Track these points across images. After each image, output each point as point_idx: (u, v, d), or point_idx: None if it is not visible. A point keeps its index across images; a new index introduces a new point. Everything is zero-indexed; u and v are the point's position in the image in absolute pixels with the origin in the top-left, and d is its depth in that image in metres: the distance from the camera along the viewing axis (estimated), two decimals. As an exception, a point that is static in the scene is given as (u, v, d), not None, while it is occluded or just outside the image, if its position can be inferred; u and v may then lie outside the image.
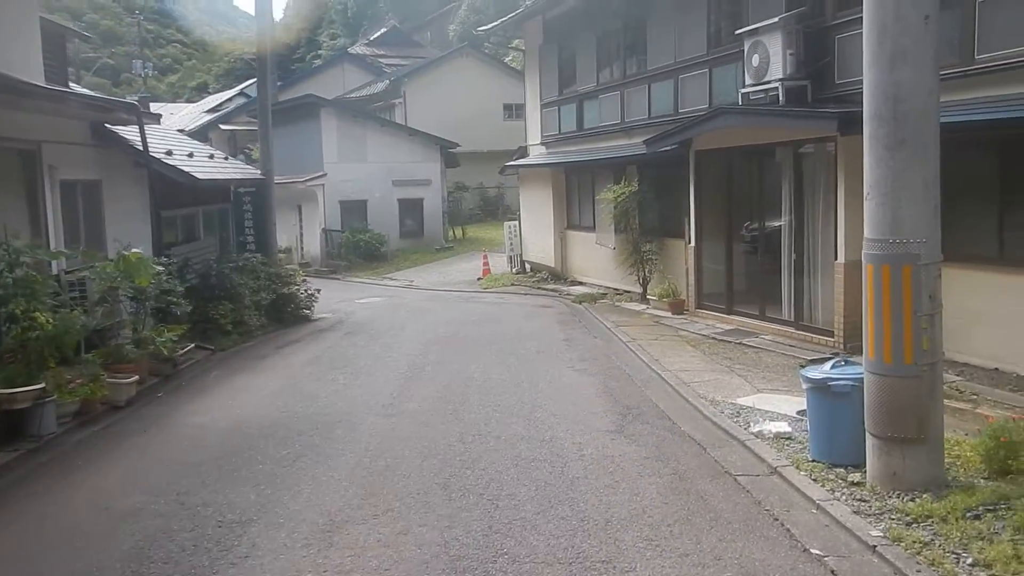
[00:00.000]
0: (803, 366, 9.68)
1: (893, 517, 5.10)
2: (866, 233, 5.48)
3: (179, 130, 28.80)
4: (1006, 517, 4.85)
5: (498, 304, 17.48)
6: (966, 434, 6.66)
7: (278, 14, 74.21)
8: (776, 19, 11.01)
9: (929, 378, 5.37)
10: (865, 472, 5.76)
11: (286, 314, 15.50)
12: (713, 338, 11.83)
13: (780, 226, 11.68)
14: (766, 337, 11.50)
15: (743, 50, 11.75)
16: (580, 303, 16.03)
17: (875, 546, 4.74)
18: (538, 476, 6.36)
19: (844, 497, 5.53)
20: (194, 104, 48.56)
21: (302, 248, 29.01)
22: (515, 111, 31.88)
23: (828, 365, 6.28)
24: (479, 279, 21.60)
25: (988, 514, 4.93)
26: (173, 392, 9.98)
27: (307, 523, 5.54)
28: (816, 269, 11.03)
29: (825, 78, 10.90)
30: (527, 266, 21.57)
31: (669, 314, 13.82)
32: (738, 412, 7.91)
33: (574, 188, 19.07)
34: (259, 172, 16.99)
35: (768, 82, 11.22)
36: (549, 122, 19.72)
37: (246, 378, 10.77)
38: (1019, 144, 8.66)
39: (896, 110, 5.17)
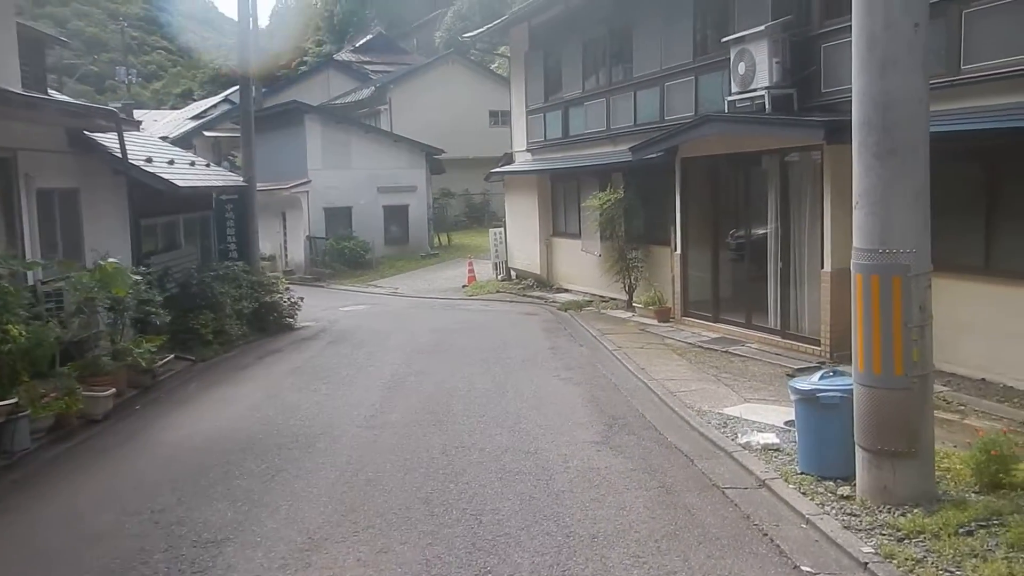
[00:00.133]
0: (790, 375, 9.75)
1: (884, 533, 5.00)
2: (855, 242, 5.40)
3: (162, 137, 28.61)
4: (999, 534, 4.77)
5: (483, 312, 17.35)
6: (955, 446, 6.59)
7: (264, 21, 73.89)
8: (762, 27, 10.97)
9: (920, 390, 5.29)
10: (855, 485, 5.67)
11: (269, 323, 15.30)
12: (699, 346, 11.75)
13: (766, 234, 11.62)
14: (752, 345, 11.44)
15: (729, 58, 11.72)
16: (566, 311, 15.93)
17: (867, 563, 4.65)
18: (523, 489, 6.24)
19: (834, 511, 5.43)
20: (178, 111, 48.21)
21: (286, 255, 28.78)
22: (501, 118, 31.78)
23: (817, 376, 6.19)
24: (464, 286, 21.48)
25: (981, 530, 4.84)
26: (151, 405, 9.78)
27: (284, 542, 5.39)
28: (802, 278, 10.98)
29: (811, 87, 10.87)
30: (513, 273, 21.47)
31: (655, 322, 13.74)
32: (725, 422, 7.82)
33: (560, 195, 18.99)
34: (242, 179, 16.78)
35: (754, 90, 11.18)
36: (535, 129, 19.65)
37: (226, 389, 10.58)
38: (1005, 154, 8.65)
39: (886, 118, 5.09)
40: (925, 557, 4.66)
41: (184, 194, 12.92)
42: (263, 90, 37.11)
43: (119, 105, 30.74)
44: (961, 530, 4.86)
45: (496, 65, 37.47)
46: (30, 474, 7.20)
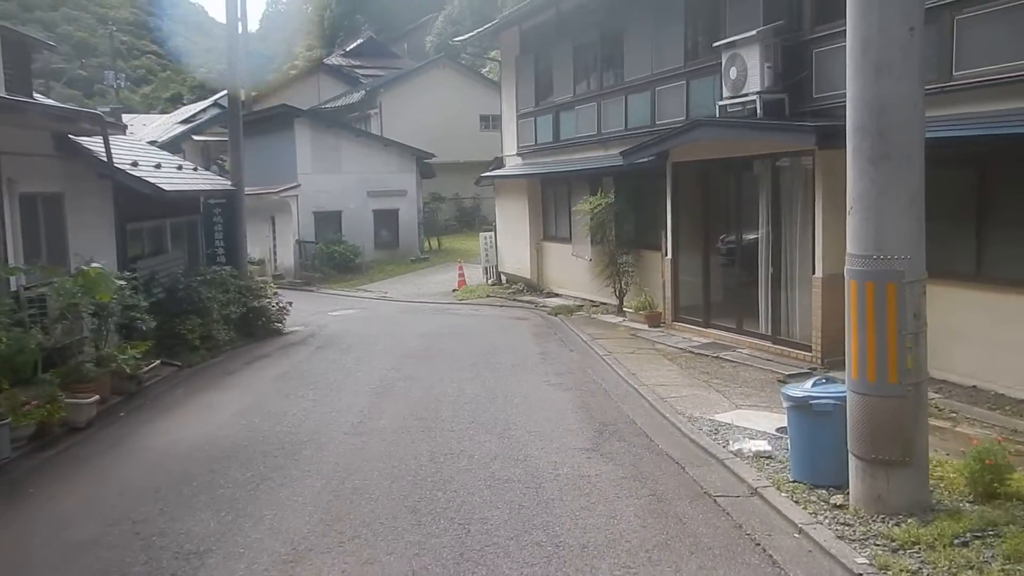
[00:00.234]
0: (781, 381, 9.71)
1: (878, 543, 4.93)
2: (849, 248, 5.34)
3: (151, 141, 28.33)
4: (995, 545, 4.70)
5: (473, 316, 17.26)
6: (947, 454, 6.54)
7: (254, 25, 73.74)
8: (754, 32, 10.93)
9: (914, 398, 5.22)
10: (848, 494, 5.60)
11: (257, 328, 15.16)
12: (690, 352, 11.69)
13: (757, 239, 11.58)
14: (743, 351, 11.38)
15: (721, 63, 11.67)
16: (556, 315, 15.85)
17: (861, 574, 4.57)
18: (512, 498, 6.14)
19: (827, 521, 5.36)
20: (167, 115, 47.93)
21: (275, 260, 28.60)
22: (491, 122, 31.73)
23: (809, 383, 6.13)
24: (454, 291, 21.37)
25: (976, 541, 4.77)
26: (136, 411, 9.63)
27: (268, 553, 5.27)
28: (793, 283, 10.94)
29: (803, 92, 10.83)
30: (503, 277, 21.38)
31: (646, 327, 13.68)
32: (716, 429, 7.75)
33: (550, 199, 18.93)
34: (230, 183, 16.65)
35: (746, 95, 11.13)
36: (525, 133, 19.58)
37: (212, 395, 10.45)
38: (997, 161, 8.63)
39: (880, 122, 5.03)
40: (920, 569, 4.58)
41: (171, 198, 12.78)
42: (253, 94, 36.94)
43: (107, 109, 30.53)
44: (956, 541, 4.79)
45: (487, 69, 37.43)
46: (10, 483, 7.06)
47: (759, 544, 5.19)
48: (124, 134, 13.23)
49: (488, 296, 19.82)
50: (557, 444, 7.53)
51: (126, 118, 34.35)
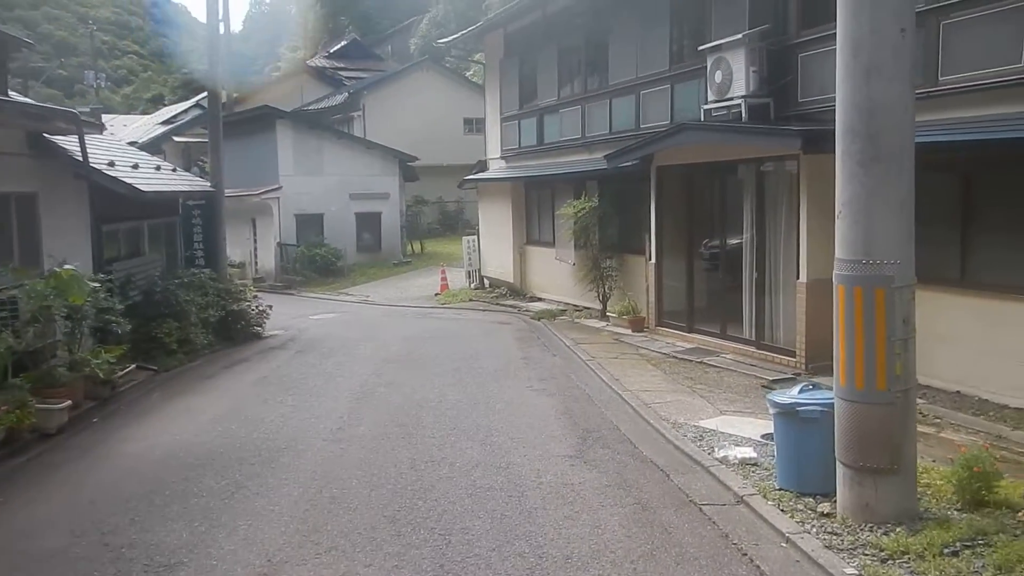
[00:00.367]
0: (765, 387, 9.64)
1: (867, 553, 4.85)
2: (838, 253, 5.26)
3: (132, 142, 27.99)
4: (985, 554, 4.62)
5: (456, 320, 17.11)
6: (933, 460, 6.48)
7: (237, 26, 73.25)
8: (740, 35, 10.89)
9: (902, 405, 5.14)
10: (835, 502, 5.51)
11: (236, 331, 14.93)
12: (674, 357, 11.61)
13: (741, 244, 11.52)
14: (727, 356, 11.32)
15: (706, 66, 11.62)
16: (539, 320, 15.73)
17: (850, 585, 4.48)
18: (494, 507, 6.01)
19: (815, 530, 5.27)
20: (148, 116, 47.46)
21: (256, 263, 28.30)
22: (475, 125, 31.61)
23: (796, 389, 6.04)
24: (437, 295, 21.21)
25: (966, 550, 4.69)
26: (109, 417, 9.40)
27: (242, 565, 5.11)
28: (778, 288, 10.88)
29: (788, 96, 10.80)
30: (486, 282, 21.25)
31: (629, 331, 13.59)
32: (701, 435, 7.65)
33: (534, 203, 18.82)
34: (210, 184, 16.41)
35: (731, 99, 11.09)
36: (509, 136, 19.48)
37: (189, 400, 10.23)
38: (982, 167, 8.62)
39: (870, 125, 4.96)
40: (910, 579, 4.50)
41: (148, 199, 12.54)
42: (234, 95, 36.62)
43: (87, 109, 30.10)
44: (946, 550, 4.71)
45: (471, 73, 37.34)
46: (-24, 491, 6.84)
47: (746, 554, 5.09)
48: (100, 133, 12.99)
49: (471, 300, 19.68)
50: (540, 451, 7.40)
51: (106, 118, 34.00)
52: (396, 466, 7.06)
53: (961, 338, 8.47)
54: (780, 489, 5.98)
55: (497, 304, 18.59)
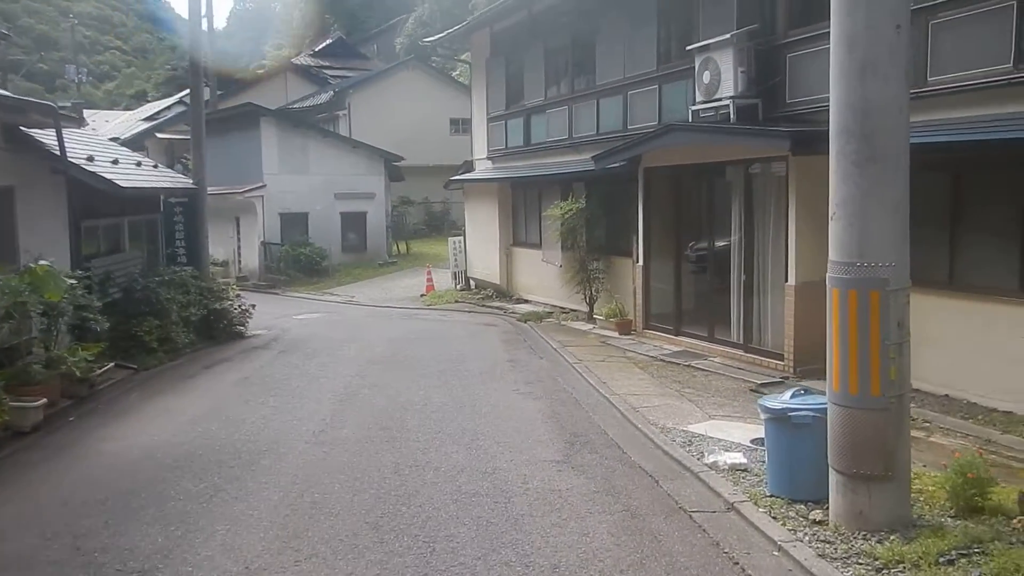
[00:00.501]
0: (754, 390, 9.56)
1: (861, 562, 4.74)
2: (831, 255, 5.16)
3: (113, 138, 27.63)
4: (981, 563, 4.54)
5: (441, 322, 16.95)
6: (924, 465, 6.41)
7: (221, 22, 72.66)
8: (728, 35, 10.83)
9: (897, 411, 5.05)
10: (827, 509, 5.41)
11: (218, 330, 14.70)
12: (661, 360, 11.51)
13: (729, 246, 11.45)
14: (715, 359, 11.24)
15: (694, 67, 11.56)
16: (526, 322, 15.61)
17: (844, 595, 4.38)
18: (479, 513, 5.87)
19: (807, 538, 5.16)
20: (131, 112, 46.98)
21: (240, 261, 28.01)
22: (462, 126, 31.45)
23: (788, 394, 5.94)
24: (423, 295, 21.05)
25: (962, 559, 4.60)
26: (86, 416, 9.18)
27: (219, 572, 4.94)
28: (766, 291, 10.81)
29: (776, 97, 10.75)
30: (472, 283, 21.10)
31: (616, 334, 13.50)
32: (690, 440, 7.55)
33: (520, 204, 18.70)
34: (192, 181, 16.17)
35: (719, 99, 11.02)
36: (496, 136, 19.35)
37: (168, 400, 10.02)
38: (970, 168, 8.59)
39: (865, 125, 4.86)
40: (905, 589, 4.41)
41: (128, 195, 12.31)
42: (219, 92, 36.27)
43: (68, 104, 29.68)
44: (942, 559, 4.61)
45: (457, 72, 37.16)
46: (-56, 494, 6.63)
47: (737, 563, 4.98)
48: (79, 127, 12.77)
49: (457, 301, 19.54)
50: (527, 456, 7.27)
51: (88, 114, 33.56)
52: (379, 470, 6.91)
53: (949, 340, 8.43)
54: (771, 496, 5.88)
55: (483, 305, 18.45)
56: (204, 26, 16.98)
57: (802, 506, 5.65)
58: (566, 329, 14.55)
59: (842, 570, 4.66)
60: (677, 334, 12.49)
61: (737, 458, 6.82)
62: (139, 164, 15.15)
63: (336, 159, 28.66)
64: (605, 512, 5.88)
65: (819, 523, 5.36)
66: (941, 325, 8.47)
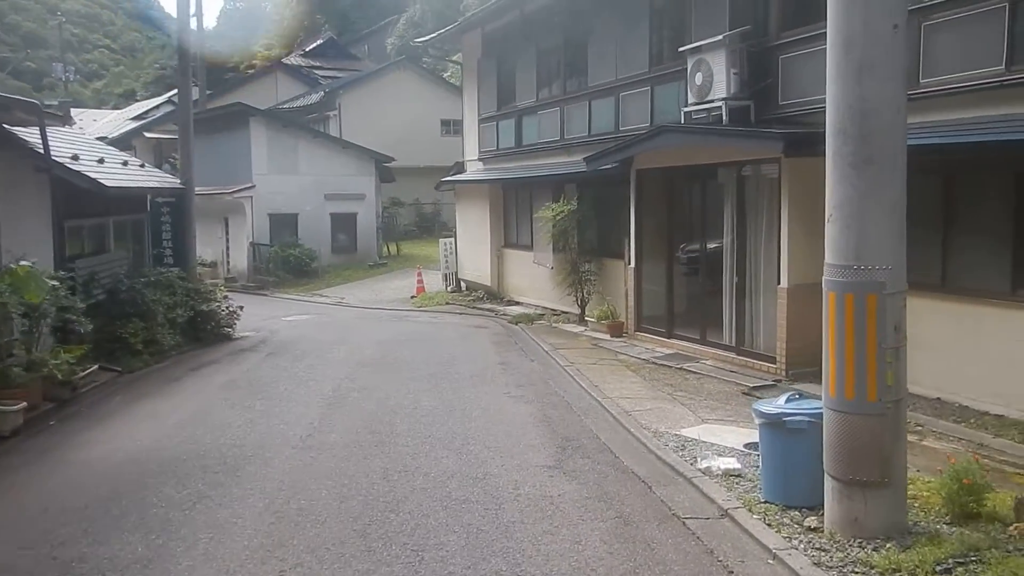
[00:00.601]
0: (746, 393, 9.48)
1: (857, 571, 4.66)
2: (828, 258, 5.07)
3: (101, 137, 27.41)
4: (978, 572, 4.46)
5: (432, 324, 16.83)
6: (917, 470, 6.33)
7: (211, 22, 72.23)
8: (720, 37, 10.75)
9: (893, 416, 4.97)
10: (822, 516, 5.33)
11: (205, 332, 14.54)
12: (653, 362, 11.43)
13: (721, 248, 11.38)
14: (707, 362, 11.15)
15: (686, 68, 11.48)
16: (517, 324, 15.51)
17: (841, 605, 4.29)
18: (469, 520, 5.75)
19: (802, 545, 5.07)
20: (119, 111, 46.64)
21: (228, 262, 27.79)
22: (453, 127, 31.33)
23: (783, 399, 5.86)
24: (413, 297, 20.93)
25: (959, 568, 4.52)
26: (68, 420, 9.02)
27: (201, 582, 4.82)
28: (758, 293, 10.74)
29: (768, 99, 10.68)
30: (463, 284, 20.99)
31: (608, 336, 13.41)
32: (683, 445, 7.45)
33: (512, 205, 18.60)
34: (179, 181, 15.99)
35: (711, 101, 10.94)
36: (487, 137, 19.24)
37: (153, 404, 9.86)
38: (962, 170, 8.53)
39: (863, 126, 4.78)
40: (903, 599, 4.32)
41: (113, 195, 12.14)
42: (208, 92, 36.05)
43: (55, 103, 29.38)
44: (939, 568, 4.53)
45: (449, 74, 37.06)
46: (-80, 500, 6.46)
47: (732, 572, 4.89)
48: (64, 126, 12.59)
49: (447, 303, 19.42)
50: (518, 461, 7.16)
51: (75, 113, 33.22)
52: (368, 476, 6.78)
53: (941, 343, 8.35)
54: (765, 502, 5.79)
55: (474, 307, 18.34)
56: (193, 25, 16.81)
57: (797, 513, 5.57)
58: (557, 331, 14.45)
59: (838, 579, 4.58)
60: (669, 336, 12.40)
61: (731, 463, 6.73)
62: (125, 163, 14.98)
63: (326, 160, 28.48)
64: (598, 519, 5.77)
65: (814, 530, 5.27)
66: (933, 327, 8.39)
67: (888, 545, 4.87)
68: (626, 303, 13.46)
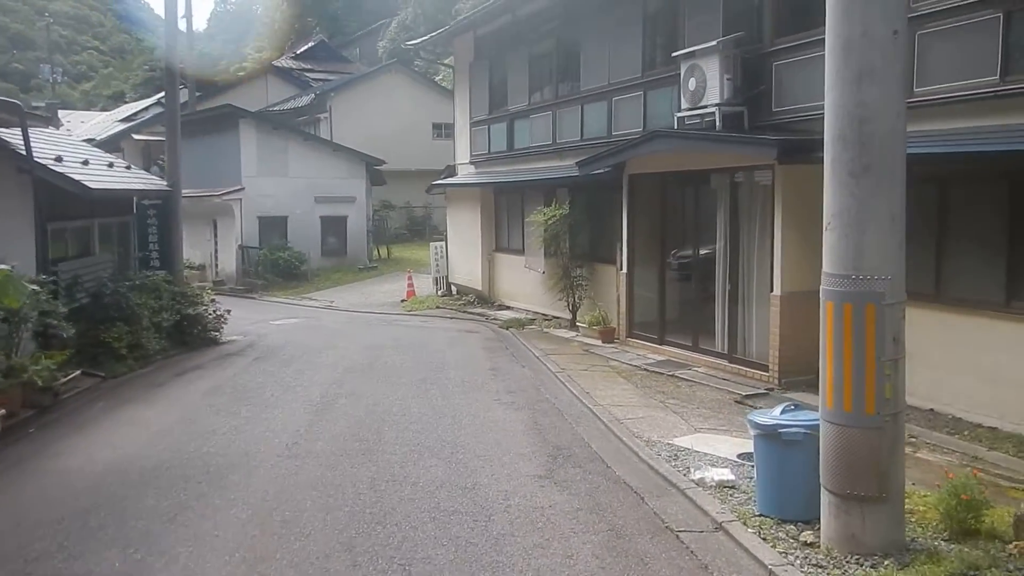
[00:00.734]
0: (739, 402, 9.38)
1: (856, 588, 4.55)
2: (825, 267, 4.97)
3: (88, 139, 27.11)
4: (981, 591, 4.36)
5: (422, 328, 16.68)
6: (913, 483, 6.21)
7: (201, 24, 71.95)
8: (714, 42, 10.67)
9: (891, 430, 4.86)
10: (818, 530, 5.22)
11: (191, 336, 14.33)
12: (645, 369, 11.32)
13: (714, 255, 11.28)
14: (699, 369, 11.06)
15: (679, 73, 11.39)
16: (507, 328, 15.38)
17: (839, 625, 4.18)
18: (458, 533, 5.62)
19: (798, 561, 4.96)
20: (107, 113, 46.31)
21: (217, 265, 27.55)
22: (444, 130, 31.20)
23: (778, 410, 5.74)
24: (403, 301, 20.77)
25: (960, 586, 4.42)
26: (48, 427, 8.82)
27: (179, 599, 4.66)
28: (751, 300, 10.65)
29: (762, 105, 10.59)
30: (453, 289, 20.85)
31: (599, 342, 13.30)
32: (676, 454, 7.34)
33: (503, 209, 18.48)
34: (166, 183, 15.79)
35: (705, 107, 10.85)
36: (479, 141, 19.12)
37: (136, 410, 9.67)
38: (956, 180, 8.46)
39: (862, 132, 4.68)
40: (903, 618, 4.21)
41: (97, 197, 11.93)
42: (198, 94, 35.80)
43: (42, 104, 29.08)
44: (939, 586, 4.43)
45: (440, 77, 36.93)
46: None
47: (727, 588, 4.77)
48: (47, 127, 12.38)
49: (438, 307, 19.27)
50: (508, 470, 7.03)
51: (63, 114, 32.96)
52: (355, 486, 6.64)
53: (934, 354, 8.27)
54: (760, 515, 5.68)
55: (465, 312, 18.21)
56: (183, 27, 16.70)
57: (792, 527, 5.45)
58: (549, 336, 14.33)
59: (836, 597, 4.47)
60: (661, 343, 12.30)
61: (724, 474, 6.61)
62: (111, 165, 14.78)
63: (317, 162, 28.30)
64: (589, 531, 5.65)
65: (810, 545, 5.16)
66: (927, 338, 8.28)
67: (886, 562, 4.77)
68: (618, 308, 13.36)
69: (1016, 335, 7.67)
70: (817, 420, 5.24)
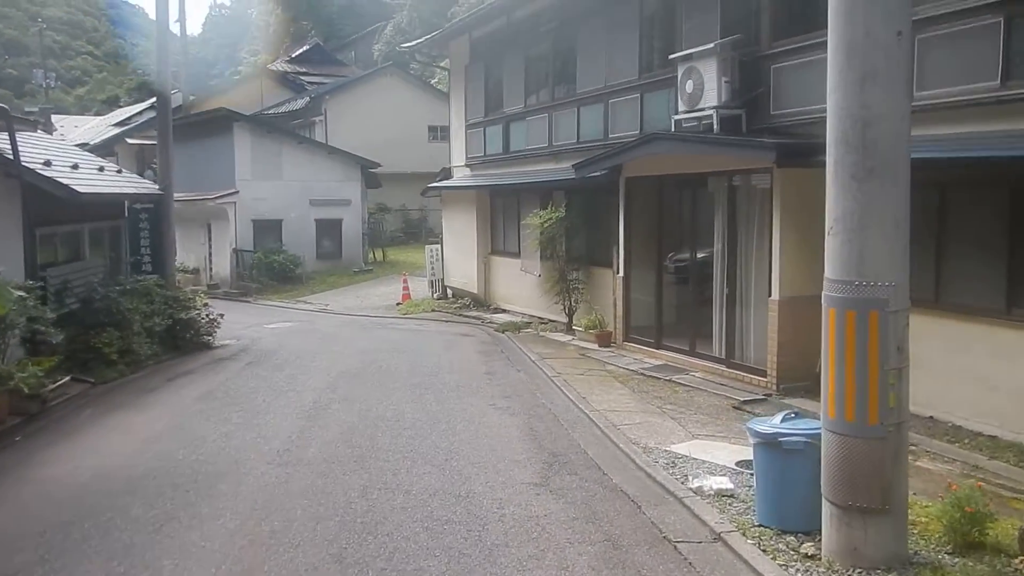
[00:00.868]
0: (737, 407, 9.27)
1: (859, 603, 4.43)
2: (828, 273, 4.85)
3: (82, 144, 26.98)
4: (987, 606, 4.24)
5: (417, 332, 16.55)
6: (914, 493, 6.10)
7: (196, 28, 71.85)
8: (712, 45, 10.57)
9: (895, 441, 4.75)
10: (819, 542, 5.10)
11: (184, 341, 14.18)
12: (642, 374, 11.20)
13: (712, 259, 11.18)
14: (696, 374, 10.94)
15: (676, 76, 11.29)
16: (503, 332, 15.26)
17: (843, 642, 4.05)
18: (451, 543, 5.49)
19: (799, 574, 4.84)
20: (101, 117, 46.13)
21: (211, 269, 27.38)
22: (440, 133, 31.07)
23: (778, 418, 5.62)
24: (398, 304, 20.62)
25: (966, 602, 4.30)
26: (34, 435, 8.66)
27: (163, 615, 4.53)
28: (749, 305, 10.54)
29: (760, 108, 10.50)
30: (449, 292, 20.72)
31: (595, 346, 13.18)
32: (673, 462, 7.22)
33: (499, 212, 18.37)
34: (158, 186, 15.65)
35: (702, 109, 10.75)
36: (474, 143, 19.01)
37: (125, 417, 9.52)
38: (955, 185, 8.36)
39: (865, 135, 4.56)
40: (908, 635, 4.09)
41: (86, 201, 11.76)
42: (191, 97, 35.67)
43: (36, 109, 28.95)
44: (944, 601, 4.31)
45: (436, 80, 36.84)
46: None
47: (727, 602, 4.65)
48: (36, 131, 12.22)
49: (433, 311, 19.13)
50: (503, 478, 6.90)
51: (57, 119, 32.80)
52: (346, 494, 6.51)
53: (933, 361, 8.11)
54: (760, 525, 5.56)
55: (460, 315, 18.08)
56: (177, 31, 16.61)
57: (792, 538, 5.33)
58: (544, 340, 14.21)
59: (839, 612, 4.35)
60: (658, 347, 12.18)
61: (723, 483, 6.49)
62: (101, 169, 14.64)
63: (311, 165, 28.16)
64: (585, 542, 5.52)
65: (811, 557, 5.04)
66: (925, 345, 8.08)
67: None
68: (614, 312, 13.24)
69: (1017, 343, 7.57)
70: (818, 429, 5.12)
